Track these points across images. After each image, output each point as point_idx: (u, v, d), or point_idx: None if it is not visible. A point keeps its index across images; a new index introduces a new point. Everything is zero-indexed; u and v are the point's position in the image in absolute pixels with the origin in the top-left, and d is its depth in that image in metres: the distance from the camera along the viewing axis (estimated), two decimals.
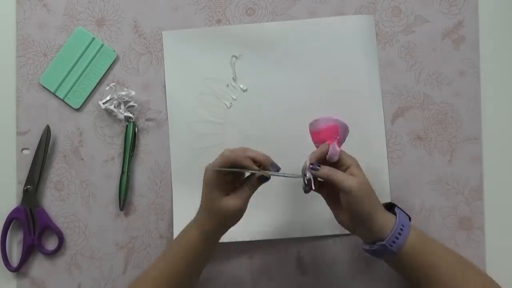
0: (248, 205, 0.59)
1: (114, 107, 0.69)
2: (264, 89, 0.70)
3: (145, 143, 0.71)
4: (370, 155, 0.69)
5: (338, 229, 0.67)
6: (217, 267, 0.70)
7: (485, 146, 0.70)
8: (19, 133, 0.71)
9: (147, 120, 0.71)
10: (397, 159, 0.70)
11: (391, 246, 0.57)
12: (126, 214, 0.70)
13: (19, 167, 0.70)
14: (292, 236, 0.69)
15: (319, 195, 0.61)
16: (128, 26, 0.71)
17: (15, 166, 0.70)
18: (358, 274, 0.70)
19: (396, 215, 0.59)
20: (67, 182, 0.71)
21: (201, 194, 0.59)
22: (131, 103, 0.70)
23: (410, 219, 0.61)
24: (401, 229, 0.57)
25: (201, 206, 0.60)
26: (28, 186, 0.69)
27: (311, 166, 0.58)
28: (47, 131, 0.69)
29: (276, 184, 0.65)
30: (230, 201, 0.58)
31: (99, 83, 0.71)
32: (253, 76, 0.70)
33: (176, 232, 0.65)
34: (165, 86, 0.71)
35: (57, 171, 0.71)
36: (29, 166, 0.69)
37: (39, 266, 0.70)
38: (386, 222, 0.58)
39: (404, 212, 0.60)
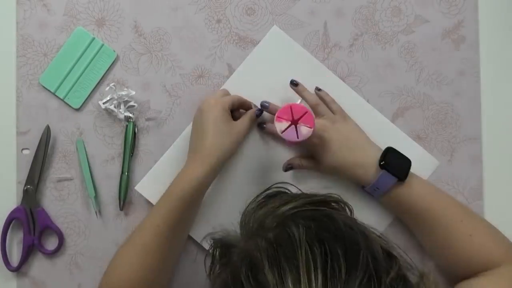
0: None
1: (114, 107, 0.69)
2: None
3: (145, 143, 0.71)
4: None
5: None
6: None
7: (485, 146, 0.70)
8: (19, 133, 0.71)
9: (147, 120, 0.71)
10: None
11: (372, 193, 0.64)
12: (126, 214, 0.70)
13: (19, 167, 0.70)
14: None
15: None
16: (128, 26, 0.71)
17: (15, 166, 0.70)
18: None
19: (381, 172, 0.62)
20: (67, 182, 0.71)
21: None
22: (131, 103, 0.70)
23: (403, 178, 0.62)
24: (377, 188, 0.63)
25: (199, 137, 0.62)
26: (28, 186, 0.69)
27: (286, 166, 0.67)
28: (47, 131, 0.69)
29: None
30: (240, 124, 0.65)
31: (99, 83, 0.71)
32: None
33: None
34: (165, 86, 0.71)
35: (57, 171, 0.71)
36: (29, 166, 0.69)
37: (39, 266, 0.70)
38: (369, 176, 0.63)
39: (397, 169, 0.62)
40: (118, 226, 0.70)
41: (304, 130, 0.56)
